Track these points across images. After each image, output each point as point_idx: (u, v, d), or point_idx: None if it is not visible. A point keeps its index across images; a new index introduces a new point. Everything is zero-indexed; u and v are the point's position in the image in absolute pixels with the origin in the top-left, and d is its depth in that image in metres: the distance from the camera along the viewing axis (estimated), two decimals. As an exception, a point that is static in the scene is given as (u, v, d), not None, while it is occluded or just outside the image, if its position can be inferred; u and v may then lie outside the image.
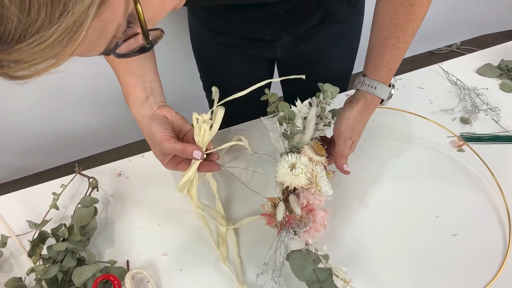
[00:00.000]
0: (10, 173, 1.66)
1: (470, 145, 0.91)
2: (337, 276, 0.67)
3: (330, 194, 0.70)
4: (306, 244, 0.68)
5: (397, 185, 0.87)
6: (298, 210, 0.67)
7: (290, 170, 0.69)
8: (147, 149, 0.96)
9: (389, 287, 0.73)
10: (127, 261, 0.80)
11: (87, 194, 0.85)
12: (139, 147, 1.06)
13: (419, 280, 0.74)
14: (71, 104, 1.51)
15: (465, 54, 1.16)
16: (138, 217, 0.86)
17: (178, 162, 0.77)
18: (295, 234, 0.69)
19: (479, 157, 0.88)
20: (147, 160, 0.95)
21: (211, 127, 0.74)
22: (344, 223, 0.82)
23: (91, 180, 0.88)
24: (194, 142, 0.74)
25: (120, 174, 0.93)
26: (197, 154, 0.71)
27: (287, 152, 0.73)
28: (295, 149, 0.73)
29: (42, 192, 0.90)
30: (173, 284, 0.76)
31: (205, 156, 0.73)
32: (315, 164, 0.72)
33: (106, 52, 0.41)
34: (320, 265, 0.66)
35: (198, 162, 0.74)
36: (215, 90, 0.77)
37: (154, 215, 0.86)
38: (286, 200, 0.70)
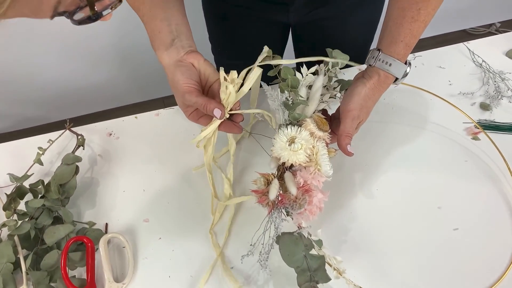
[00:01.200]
0: (7, 125, 1.65)
1: (487, 133, 0.83)
2: (330, 265, 0.61)
3: (330, 174, 0.64)
4: (298, 228, 0.63)
5: (401, 171, 0.80)
6: (293, 190, 0.61)
7: (289, 145, 0.63)
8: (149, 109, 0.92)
9: (386, 279, 0.67)
10: (106, 224, 0.77)
11: (73, 152, 0.82)
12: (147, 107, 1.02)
13: (417, 272, 0.68)
14: (77, 59, 1.47)
15: (496, 35, 1.06)
16: (123, 179, 0.82)
17: (201, 115, 0.70)
18: (287, 215, 0.63)
19: (495, 146, 0.80)
20: (140, 122, 0.91)
21: (240, 87, 0.67)
22: (340, 208, 0.76)
23: (79, 137, 0.85)
24: (219, 97, 0.68)
25: (111, 134, 0.89)
26: (217, 112, 0.64)
27: (287, 124, 0.67)
28: (296, 122, 0.67)
29: (30, 146, 0.87)
30: (149, 251, 0.73)
31: (227, 116, 0.67)
32: (317, 140, 0.65)
33: (59, 15, 0.41)
34: (313, 252, 0.61)
35: (218, 121, 0.68)
36: (266, 49, 0.72)
37: (140, 179, 0.82)
38: (281, 178, 0.65)
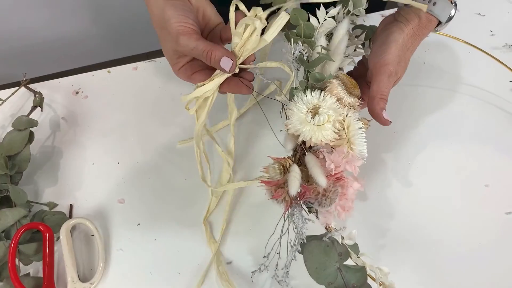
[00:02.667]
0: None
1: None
2: (373, 279, 0.46)
3: (365, 156, 0.47)
4: (326, 230, 0.47)
5: (436, 144, 0.65)
6: (322, 180, 0.43)
7: (311, 117, 0.45)
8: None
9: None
10: (71, 205, 0.61)
11: (27, 115, 0.65)
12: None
13: (472, 274, 0.54)
14: (40, 5, 1.27)
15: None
16: (92, 149, 0.66)
17: (195, 70, 0.53)
18: (309, 212, 0.48)
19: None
20: (114, 78, 0.73)
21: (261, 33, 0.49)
22: (367, 199, 0.61)
23: (36, 96, 0.68)
24: (223, 45, 0.52)
25: (77, 92, 0.72)
26: (226, 62, 0.48)
27: (305, 88, 0.49)
28: (317, 84, 0.50)
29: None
30: (125, 242, 0.58)
31: (237, 70, 0.50)
32: (347, 109, 0.48)
33: None
34: (348, 262, 0.46)
35: (224, 76, 0.50)
36: None
37: (114, 149, 0.66)
38: (300, 162, 0.48)
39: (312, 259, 0.44)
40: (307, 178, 0.45)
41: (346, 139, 0.45)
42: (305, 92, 0.48)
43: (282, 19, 0.47)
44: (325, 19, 0.53)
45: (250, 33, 0.47)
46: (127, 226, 0.59)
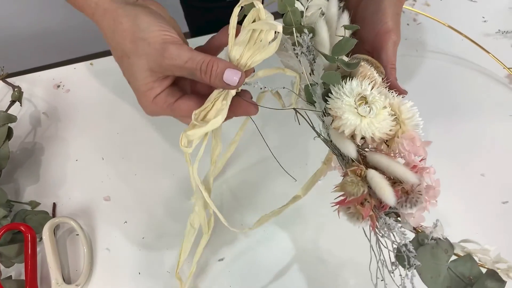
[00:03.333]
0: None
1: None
2: (482, 266, 0.41)
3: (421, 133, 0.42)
4: (416, 231, 0.41)
5: (430, 135, 0.64)
6: (411, 176, 0.37)
7: (366, 108, 0.39)
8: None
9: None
10: (54, 204, 0.58)
11: (6, 110, 0.62)
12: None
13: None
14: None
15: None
16: (75, 145, 0.63)
17: (176, 97, 0.42)
18: (395, 219, 0.41)
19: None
20: (97, 70, 0.70)
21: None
22: None
23: (15, 90, 0.64)
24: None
25: (59, 86, 0.69)
26: (231, 75, 0.38)
27: (343, 77, 0.42)
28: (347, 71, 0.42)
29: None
30: (111, 240, 0.55)
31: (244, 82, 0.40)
32: (381, 88, 0.43)
33: None
34: (453, 258, 0.41)
35: (230, 95, 0.41)
36: None
37: (98, 145, 0.63)
38: (365, 164, 0.41)
39: (425, 269, 0.39)
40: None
41: (401, 121, 0.40)
42: (347, 80, 0.40)
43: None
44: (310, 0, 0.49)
45: (257, 40, 0.40)
46: (113, 224, 0.56)
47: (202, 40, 0.71)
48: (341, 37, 0.42)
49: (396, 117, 0.40)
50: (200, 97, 0.42)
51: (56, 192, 0.59)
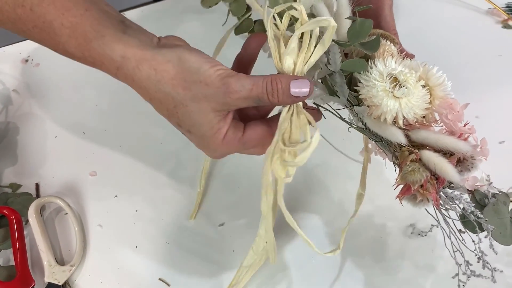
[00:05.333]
0: None
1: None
2: None
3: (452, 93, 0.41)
4: (471, 192, 0.40)
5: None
6: (463, 144, 0.37)
7: (403, 90, 0.37)
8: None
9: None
10: (36, 184, 0.55)
11: (-28, 88, 0.57)
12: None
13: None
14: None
15: None
16: (53, 121, 0.59)
17: (242, 127, 0.38)
18: (449, 187, 0.40)
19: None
20: (67, 41, 0.66)
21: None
22: None
23: (-21, 67, 0.60)
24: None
25: (27, 61, 0.64)
26: (299, 86, 0.35)
27: (368, 59, 0.39)
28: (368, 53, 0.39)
29: None
30: (103, 216, 0.53)
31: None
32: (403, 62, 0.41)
33: None
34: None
35: (301, 107, 0.37)
36: None
37: (77, 119, 0.59)
38: (413, 145, 0.39)
39: (494, 226, 0.38)
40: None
41: (430, 88, 0.39)
42: (378, 62, 0.38)
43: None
44: None
45: (308, 44, 0.36)
46: (103, 199, 0.53)
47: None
48: (352, 19, 0.39)
49: (427, 87, 0.39)
50: (259, 120, 0.39)
51: (37, 172, 0.55)
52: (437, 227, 0.41)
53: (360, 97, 0.38)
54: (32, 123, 0.59)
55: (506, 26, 0.67)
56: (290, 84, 0.35)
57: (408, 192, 0.37)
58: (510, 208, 0.40)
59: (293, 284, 0.48)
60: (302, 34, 0.36)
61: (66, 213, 0.52)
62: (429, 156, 0.37)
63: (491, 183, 0.39)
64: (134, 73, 0.35)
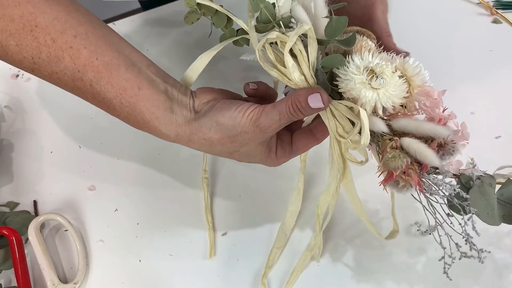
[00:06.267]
0: None
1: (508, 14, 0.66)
2: None
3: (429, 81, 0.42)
4: (456, 177, 0.41)
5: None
6: (442, 129, 0.38)
7: (379, 80, 0.38)
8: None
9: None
10: (34, 202, 0.54)
11: (-37, 107, 0.56)
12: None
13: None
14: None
15: None
16: (47, 136, 0.58)
17: (289, 142, 0.45)
18: (435, 172, 0.41)
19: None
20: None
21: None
22: None
23: (-31, 85, 0.59)
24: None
25: (17, 76, 0.63)
26: (315, 99, 0.38)
27: (346, 55, 0.41)
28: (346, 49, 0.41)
29: None
30: (104, 231, 0.52)
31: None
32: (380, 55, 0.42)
33: None
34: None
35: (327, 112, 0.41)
36: None
37: (72, 133, 0.59)
38: (394, 133, 0.41)
39: (480, 209, 0.39)
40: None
41: (408, 78, 0.40)
42: (355, 57, 0.39)
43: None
44: None
45: (300, 52, 0.39)
46: (104, 214, 0.53)
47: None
48: (328, 18, 0.40)
49: (405, 78, 0.40)
50: (303, 129, 0.45)
51: (34, 189, 0.55)
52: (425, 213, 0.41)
53: (339, 91, 0.40)
54: (27, 139, 0.58)
55: (496, 21, 0.67)
56: (308, 100, 0.38)
57: (390, 178, 0.38)
58: (496, 190, 0.41)
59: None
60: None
61: (67, 230, 0.52)
62: (409, 142, 0.38)
63: (475, 165, 0.41)
64: (188, 143, 0.42)
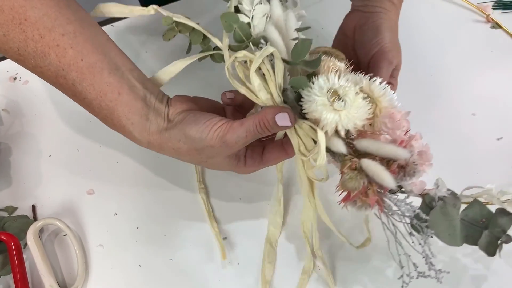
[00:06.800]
0: None
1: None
2: (489, 203, 0.43)
3: (398, 104, 0.42)
4: (421, 196, 0.42)
5: (416, 80, 0.62)
6: (402, 151, 0.38)
7: (341, 103, 0.39)
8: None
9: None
10: (33, 206, 0.53)
11: (-40, 111, 0.56)
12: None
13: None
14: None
15: None
16: (46, 139, 0.58)
17: (259, 153, 0.46)
18: (400, 191, 0.42)
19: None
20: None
21: None
22: None
23: (-34, 88, 0.58)
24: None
25: (15, 78, 0.63)
26: (282, 118, 0.39)
27: (309, 76, 0.42)
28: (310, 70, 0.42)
29: None
30: (103, 236, 0.52)
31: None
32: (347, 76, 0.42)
33: None
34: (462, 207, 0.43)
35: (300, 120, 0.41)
36: None
37: (70, 136, 0.58)
38: (356, 153, 0.41)
39: (441, 230, 0.40)
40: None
41: (374, 99, 0.41)
42: (318, 78, 0.40)
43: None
44: (254, 9, 0.44)
45: (268, 71, 0.41)
46: (103, 218, 0.52)
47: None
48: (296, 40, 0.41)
49: (370, 98, 0.41)
50: (275, 142, 0.45)
51: (33, 193, 0.54)
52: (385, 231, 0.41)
53: (303, 111, 0.40)
54: (25, 142, 0.58)
55: (494, 26, 0.66)
56: (275, 118, 0.39)
57: (348, 198, 0.39)
58: (459, 211, 0.42)
59: None
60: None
61: (65, 234, 0.51)
62: (367, 164, 0.38)
63: (438, 186, 0.41)
64: (159, 151, 0.44)
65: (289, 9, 0.46)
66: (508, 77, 0.62)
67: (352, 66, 0.45)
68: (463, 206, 0.42)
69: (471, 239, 0.42)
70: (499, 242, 0.42)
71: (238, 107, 0.47)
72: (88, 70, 0.41)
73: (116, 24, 0.67)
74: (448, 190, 0.42)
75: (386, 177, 0.37)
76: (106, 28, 0.65)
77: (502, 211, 0.42)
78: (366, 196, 0.39)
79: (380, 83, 0.41)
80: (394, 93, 0.41)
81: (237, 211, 0.53)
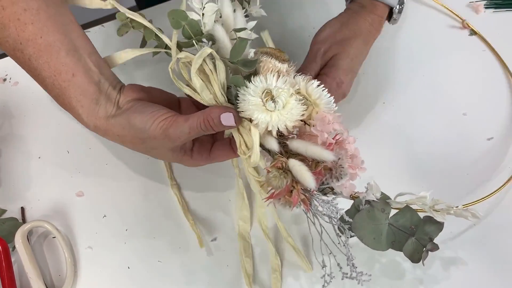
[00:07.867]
0: None
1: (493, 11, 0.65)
2: (420, 211, 0.45)
3: (335, 108, 0.43)
4: (352, 198, 0.43)
5: (407, 80, 0.62)
6: (328, 154, 0.39)
7: (272, 104, 0.39)
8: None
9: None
10: (22, 208, 0.53)
11: (-51, 113, 0.55)
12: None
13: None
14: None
15: None
16: (35, 141, 0.58)
17: (208, 148, 0.46)
18: (332, 192, 0.43)
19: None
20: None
21: None
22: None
23: (-45, 90, 0.58)
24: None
25: (4, 80, 0.62)
26: (227, 118, 0.40)
27: (249, 76, 0.42)
28: (247, 71, 0.43)
29: None
30: (92, 238, 0.51)
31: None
32: (286, 77, 0.43)
33: None
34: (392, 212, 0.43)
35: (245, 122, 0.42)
36: None
37: (60, 138, 0.58)
38: (288, 154, 0.42)
39: (365, 233, 0.42)
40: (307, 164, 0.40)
41: (311, 102, 0.42)
42: (245, 84, 0.41)
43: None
44: (204, 7, 0.44)
45: (210, 71, 0.42)
46: (92, 220, 0.52)
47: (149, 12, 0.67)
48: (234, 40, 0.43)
49: (307, 100, 0.42)
50: (222, 140, 0.46)
51: (22, 195, 0.54)
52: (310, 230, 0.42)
53: (238, 110, 0.41)
54: (14, 144, 0.58)
55: (471, 33, 0.66)
56: (220, 118, 0.40)
57: (271, 196, 0.40)
58: (390, 215, 0.43)
59: None
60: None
61: (54, 237, 0.51)
62: (293, 163, 0.39)
63: (367, 190, 0.42)
64: (104, 136, 0.44)
65: (237, 8, 0.47)
66: (500, 77, 0.62)
67: (294, 67, 0.45)
68: (394, 212, 0.43)
69: (398, 245, 0.43)
70: (424, 249, 0.43)
71: (196, 101, 0.46)
72: (45, 48, 0.41)
73: (106, 24, 0.66)
74: (382, 194, 0.43)
75: (307, 178, 0.38)
76: (95, 28, 0.65)
77: (430, 219, 0.44)
78: (290, 195, 0.39)
79: (317, 86, 0.41)
80: (330, 96, 0.42)
81: (228, 211, 0.53)
